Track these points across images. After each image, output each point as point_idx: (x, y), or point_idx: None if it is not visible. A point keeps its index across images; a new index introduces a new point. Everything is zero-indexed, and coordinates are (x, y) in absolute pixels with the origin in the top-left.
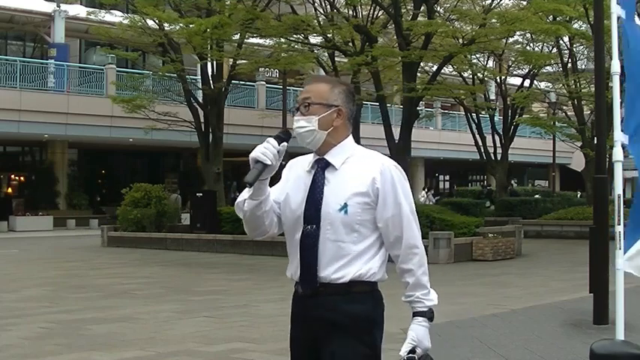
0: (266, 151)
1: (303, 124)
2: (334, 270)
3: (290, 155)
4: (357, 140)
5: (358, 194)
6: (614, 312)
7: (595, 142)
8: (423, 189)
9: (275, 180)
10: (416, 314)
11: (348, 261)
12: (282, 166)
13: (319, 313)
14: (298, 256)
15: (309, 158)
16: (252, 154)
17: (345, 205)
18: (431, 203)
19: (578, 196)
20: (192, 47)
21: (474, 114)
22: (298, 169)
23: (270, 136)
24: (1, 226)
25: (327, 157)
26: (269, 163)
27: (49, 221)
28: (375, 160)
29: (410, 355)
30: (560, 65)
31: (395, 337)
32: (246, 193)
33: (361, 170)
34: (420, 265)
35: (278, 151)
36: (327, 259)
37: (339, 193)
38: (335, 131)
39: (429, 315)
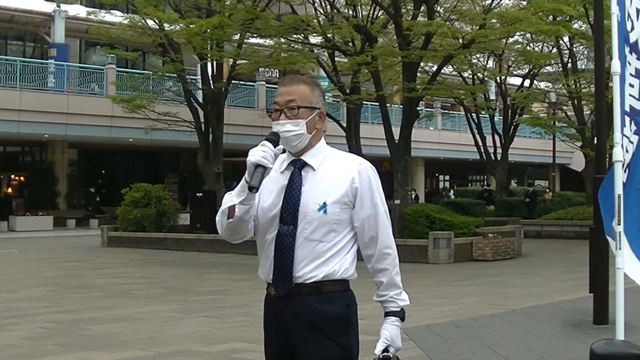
0: (265, 154)
1: (290, 128)
2: (310, 270)
3: None
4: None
5: (338, 194)
6: (614, 312)
7: (595, 142)
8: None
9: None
10: (389, 314)
11: (324, 260)
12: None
13: (293, 314)
14: (272, 256)
15: (281, 159)
16: (253, 159)
17: (324, 205)
18: None
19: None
20: (193, 47)
21: (473, 114)
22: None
23: (265, 138)
24: (1, 226)
25: (305, 158)
26: (271, 166)
27: (49, 221)
28: (352, 160)
29: (385, 354)
30: (560, 65)
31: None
32: (235, 199)
33: (339, 170)
34: (394, 266)
35: (275, 154)
36: (303, 259)
37: (317, 193)
38: (316, 133)
39: (401, 315)
